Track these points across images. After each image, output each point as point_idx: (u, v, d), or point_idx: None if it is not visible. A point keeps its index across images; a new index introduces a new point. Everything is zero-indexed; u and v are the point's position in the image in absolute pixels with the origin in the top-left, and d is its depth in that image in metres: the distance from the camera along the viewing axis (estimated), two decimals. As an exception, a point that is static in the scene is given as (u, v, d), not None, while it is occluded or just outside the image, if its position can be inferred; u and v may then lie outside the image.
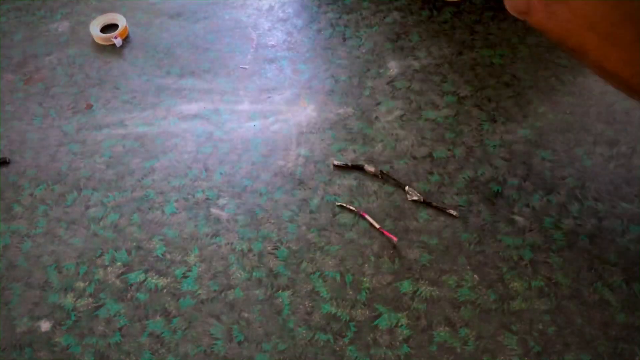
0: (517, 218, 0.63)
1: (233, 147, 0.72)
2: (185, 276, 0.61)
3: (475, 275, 0.59)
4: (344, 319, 0.57)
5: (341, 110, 0.74)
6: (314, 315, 0.58)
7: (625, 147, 0.69)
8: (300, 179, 0.67)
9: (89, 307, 0.59)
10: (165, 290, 0.60)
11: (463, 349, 0.55)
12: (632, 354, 0.54)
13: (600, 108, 0.72)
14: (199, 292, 0.60)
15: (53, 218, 0.66)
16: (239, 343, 0.56)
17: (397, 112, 0.74)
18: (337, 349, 0.55)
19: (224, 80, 0.80)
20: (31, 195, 0.68)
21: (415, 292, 0.59)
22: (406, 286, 0.59)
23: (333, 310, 0.58)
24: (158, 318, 0.58)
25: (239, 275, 0.61)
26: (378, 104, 0.75)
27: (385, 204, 0.65)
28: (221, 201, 0.67)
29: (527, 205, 0.64)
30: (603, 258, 0.60)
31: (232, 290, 0.60)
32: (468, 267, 0.60)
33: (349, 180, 0.68)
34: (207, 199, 0.67)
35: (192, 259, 0.62)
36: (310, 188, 0.66)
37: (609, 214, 0.63)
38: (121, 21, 0.86)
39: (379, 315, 0.57)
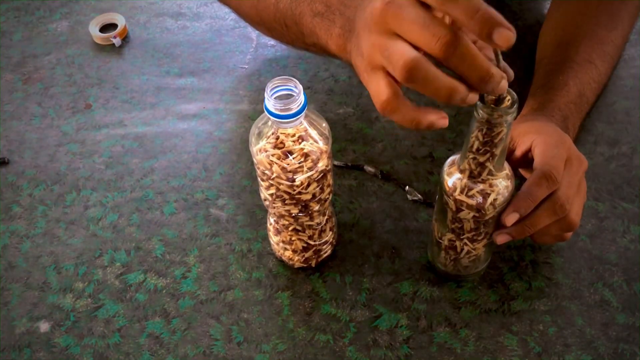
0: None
1: (233, 147, 0.72)
2: (184, 277, 0.61)
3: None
4: (343, 320, 0.57)
5: (341, 110, 0.74)
6: (313, 316, 0.57)
7: (625, 147, 0.68)
8: (299, 179, 0.67)
9: (88, 308, 0.59)
10: (164, 291, 0.60)
11: (463, 349, 0.55)
12: (633, 354, 0.54)
13: (601, 108, 0.72)
14: (199, 292, 0.60)
15: (52, 218, 0.66)
16: (239, 344, 0.56)
17: (397, 112, 0.74)
18: (337, 349, 0.55)
19: (223, 79, 0.80)
20: (30, 195, 0.68)
21: (415, 292, 0.59)
22: (406, 287, 0.59)
23: (333, 310, 0.58)
24: (157, 319, 0.58)
25: (238, 275, 0.61)
26: (378, 103, 0.75)
27: (385, 204, 0.65)
28: (220, 201, 0.67)
29: (528, 206, 0.63)
30: (603, 258, 0.60)
31: (232, 290, 0.60)
32: (468, 268, 0.60)
33: (349, 180, 0.68)
34: (207, 199, 0.67)
35: (191, 259, 0.62)
36: (310, 188, 0.66)
37: (610, 214, 0.63)
38: (120, 21, 0.86)
39: (379, 316, 0.57)
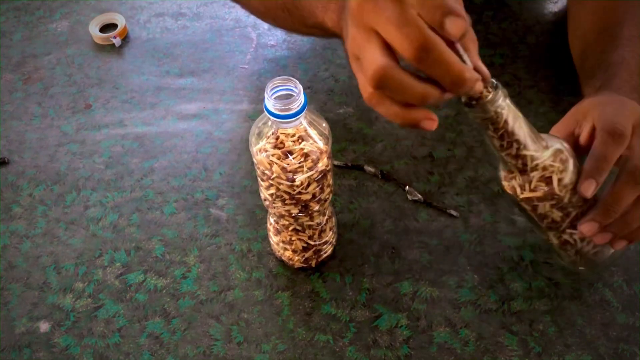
0: (517, 218, 0.63)
1: (233, 147, 0.72)
2: (184, 277, 0.61)
3: (476, 276, 0.59)
4: (343, 320, 0.57)
5: (341, 110, 0.74)
6: (313, 316, 0.57)
7: (625, 147, 0.68)
8: (299, 179, 0.67)
9: (88, 308, 0.59)
10: (164, 291, 0.60)
11: (463, 349, 0.55)
12: (633, 354, 0.54)
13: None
14: (198, 292, 0.60)
15: (52, 218, 0.66)
16: (239, 344, 0.56)
17: (397, 112, 0.74)
18: (337, 349, 0.55)
19: (223, 79, 0.80)
20: (30, 195, 0.68)
21: (415, 292, 0.59)
22: (406, 287, 0.59)
23: (333, 310, 0.58)
24: (157, 319, 0.58)
25: (238, 275, 0.61)
26: (378, 103, 0.75)
27: (385, 204, 0.65)
28: (220, 201, 0.67)
29: (528, 206, 0.63)
30: (604, 258, 0.60)
31: (232, 290, 0.60)
32: (468, 268, 0.60)
33: (349, 180, 0.68)
34: (207, 199, 0.67)
35: (191, 259, 0.62)
36: (310, 188, 0.66)
37: (610, 214, 0.63)
38: (120, 21, 0.86)
39: (379, 316, 0.57)
